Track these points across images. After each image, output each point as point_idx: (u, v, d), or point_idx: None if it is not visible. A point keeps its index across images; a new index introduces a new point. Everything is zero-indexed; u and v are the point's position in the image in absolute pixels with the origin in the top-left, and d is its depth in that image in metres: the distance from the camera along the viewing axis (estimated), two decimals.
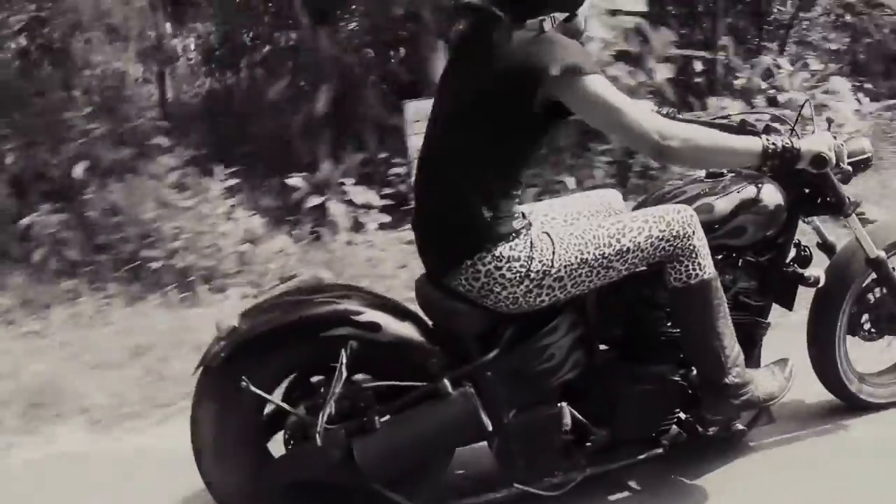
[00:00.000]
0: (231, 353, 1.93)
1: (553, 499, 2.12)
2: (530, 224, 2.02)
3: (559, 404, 2.09)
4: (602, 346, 2.23)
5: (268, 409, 2.05)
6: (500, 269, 1.93)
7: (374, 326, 1.95)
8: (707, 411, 2.15)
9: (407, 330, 2.00)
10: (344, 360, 1.89)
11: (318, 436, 1.86)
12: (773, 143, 1.96)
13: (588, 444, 2.17)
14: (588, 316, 2.14)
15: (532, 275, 1.94)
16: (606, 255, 1.98)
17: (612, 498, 2.25)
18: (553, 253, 1.95)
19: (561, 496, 2.12)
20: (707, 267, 2.06)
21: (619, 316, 2.23)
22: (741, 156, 1.99)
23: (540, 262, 1.94)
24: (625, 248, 1.99)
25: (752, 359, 2.30)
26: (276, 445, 2.08)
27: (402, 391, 2.00)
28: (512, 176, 1.96)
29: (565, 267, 1.96)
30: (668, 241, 2.02)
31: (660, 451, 2.23)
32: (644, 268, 2.07)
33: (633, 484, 2.29)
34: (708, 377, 2.12)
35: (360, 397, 1.98)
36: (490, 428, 1.96)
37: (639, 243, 2.00)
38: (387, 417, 1.97)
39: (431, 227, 2.04)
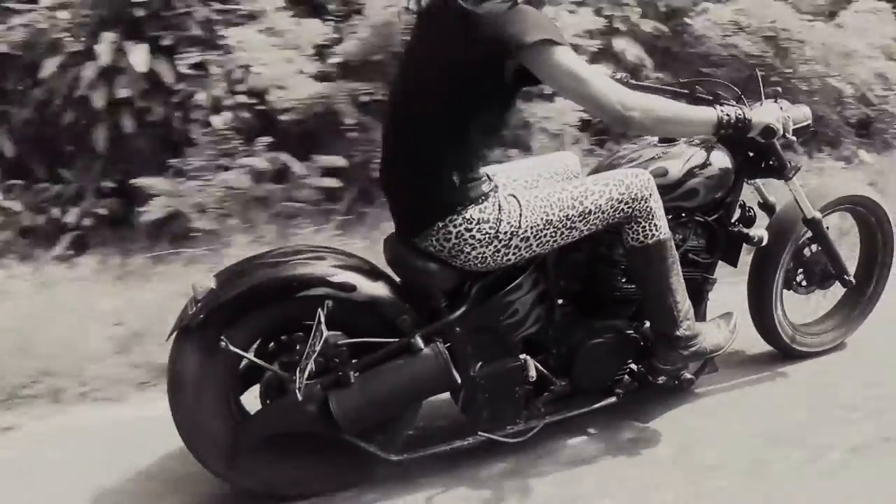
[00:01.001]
0: (209, 314, 1.98)
1: (515, 445, 2.26)
2: (496, 187, 2.11)
3: (522, 357, 2.21)
4: (561, 302, 2.35)
5: (242, 365, 2.11)
6: (470, 230, 2.02)
7: (349, 286, 2.03)
8: (659, 361, 2.30)
9: (380, 289, 2.08)
10: (322, 319, 1.96)
11: (298, 391, 1.94)
12: (727, 115, 2.08)
13: (547, 393, 2.31)
14: (549, 273, 2.26)
15: (500, 236, 2.04)
16: (570, 216, 2.09)
17: (570, 442, 2.39)
18: (520, 215, 2.05)
19: (522, 442, 2.26)
20: (662, 228, 2.19)
21: (578, 273, 2.36)
22: (697, 126, 2.11)
23: (508, 223, 2.04)
24: (587, 210, 2.10)
25: (700, 313, 2.46)
26: (250, 401, 2.16)
27: (376, 347, 2.09)
28: (481, 142, 2.04)
29: (531, 228, 2.06)
30: (626, 203, 2.14)
31: (614, 399, 2.38)
32: (603, 228, 2.19)
33: (590, 429, 2.44)
34: (661, 330, 2.27)
35: (335, 354, 2.05)
36: (459, 381, 2.07)
37: (600, 205, 2.11)
38: (360, 373, 2.05)
39: (401, 190, 2.11)
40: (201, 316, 1.98)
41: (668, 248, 2.20)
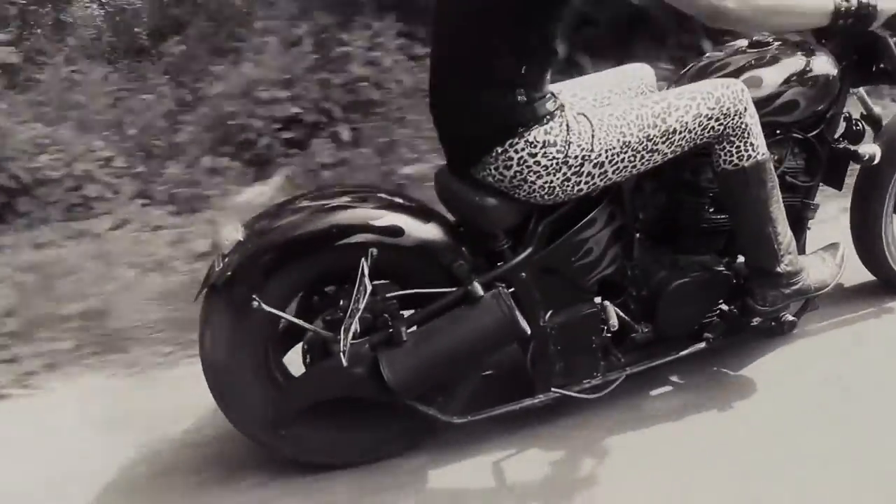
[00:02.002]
0: (239, 269, 1.74)
1: (591, 400, 2.00)
2: (563, 105, 1.80)
3: (599, 302, 1.93)
4: (640, 237, 2.06)
5: (282, 324, 1.88)
6: (534, 155, 1.72)
7: (396, 231, 1.76)
8: (756, 301, 2.00)
9: (431, 232, 1.81)
10: (366, 272, 1.71)
11: (342, 354, 1.69)
12: (846, 0, 1.72)
13: (628, 341, 2.03)
14: (625, 205, 1.96)
15: (570, 161, 1.74)
16: (651, 136, 1.78)
17: (653, 393, 2.13)
18: (592, 136, 1.74)
19: (600, 397, 2.00)
20: (760, 146, 1.86)
21: (659, 203, 2.06)
22: (808, 16, 1.76)
23: (579, 146, 1.74)
24: (671, 129, 1.79)
25: (800, 244, 2.14)
26: (294, 362, 1.93)
27: (430, 298, 1.82)
28: (544, 53, 1.73)
29: (606, 151, 1.75)
30: (717, 119, 1.81)
31: (703, 344, 2.09)
32: (689, 150, 1.87)
33: (674, 378, 2.16)
34: (759, 266, 1.96)
35: (383, 308, 1.80)
36: (529, 331, 1.80)
37: (686, 123, 1.79)
38: (413, 328, 1.79)
39: (455, 112, 1.81)
40: (228, 273, 1.73)
41: (766, 170, 1.88)
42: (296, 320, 1.80)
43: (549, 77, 1.76)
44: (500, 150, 1.73)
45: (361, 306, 1.70)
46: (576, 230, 1.88)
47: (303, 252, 1.76)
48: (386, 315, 1.81)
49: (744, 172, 1.86)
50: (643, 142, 1.77)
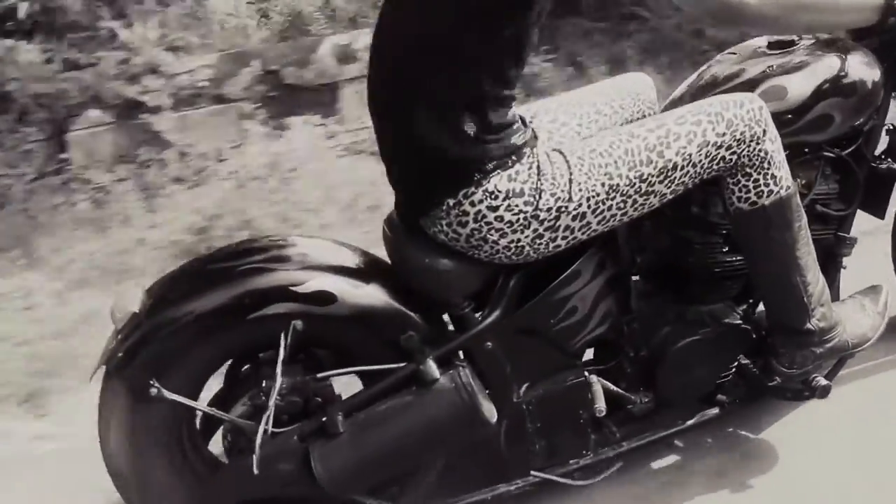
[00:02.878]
0: (135, 348, 1.40)
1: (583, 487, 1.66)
2: (535, 137, 1.44)
3: (586, 373, 1.58)
4: (637, 284, 1.70)
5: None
6: (495, 209, 1.36)
7: (325, 297, 1.41)
8: (782, 363, 1.64)
9: (373, 296, 1.46)
10: (283, 352, 1.37)
11: (255, 453, 1.36)
12: None
13: (624, 413, 1.68)
14: (619, 250, 1.60)
15: (542, 214, 1.38)
16: (645, 176, 1.41)
17: (653, 466, 1.78)
18: (570, 181, 1.38)
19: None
20: (783, 178, 1.49)
21: (661, 246, 1.69)
22: (850, 13, 1.42)
23: (552, 195, 1.37)
24: (671, 165, 1.42)
25: (832, 288, 1.77)
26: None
27: (372, 378, 1.48)
28: (505, 69, 1.36)
29: (588, 199, 1.39)
30: (729, 148, 1.45)
31: (716, 411, 1.74)
32: (695, 186, 1.50)
33: (677, 442, 1.81)
34: (785, 322, 1.60)
35: (314, 390, 1.47)
36: (494, 419, 1.44)
37: (689, 156, 1.43)
38: (351, 417, 1.45)
39: (399, 152, 1.45)
40: (120, 354, 1.40)
41: (792, 207, 1.51)
42: (205, 409, 1.46)
43: (511, 98, 1.39)
44: (451, 202, 1.37)
45: (275, 392, 1.36)
46: (556, 285, 1.52)
47: (209, 329, 1.42)
48: (318, 399, 1.47)
49: (763, 212, 1.49)
50: (635, 183, 1.41)
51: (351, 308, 1.43)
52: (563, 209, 1.38)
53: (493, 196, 1.35)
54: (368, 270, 1.50)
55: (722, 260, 1.67)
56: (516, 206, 1.36)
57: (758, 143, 1.46)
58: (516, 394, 1.55)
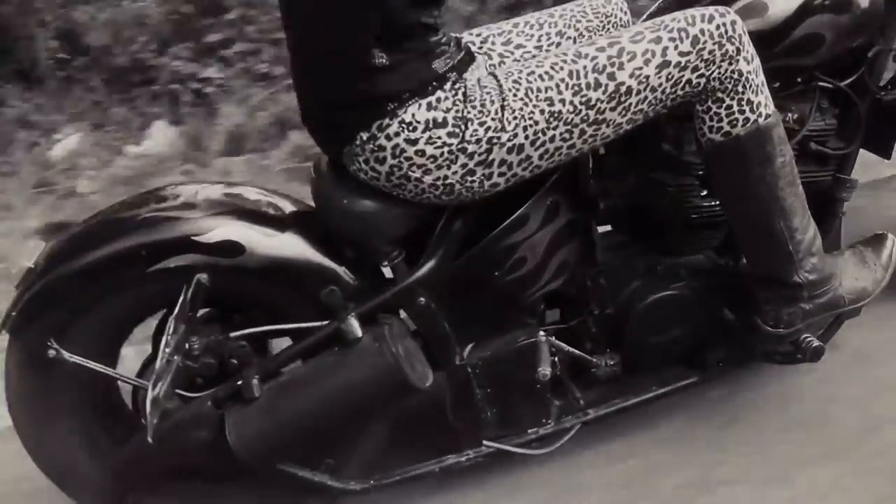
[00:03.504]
0: (28, 307, 1.27)
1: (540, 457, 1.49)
2: (470, 60, 1.27)
3: (539, 333, 1.40)
4: (603, 230, 1.52)
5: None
6: (414, 142, 1.19)
7: (231, 247, 1.25)
8: (767, 322, 1.44)
9: (289, 245, 1.30)
10: (179, 307, 1.22)
11: (146, 420, 1.21)
12: None
13: (588, 376, 1.50)
14: (580, 188, 1.42)
15: (470, 147, 1.20)
16: (593, 101, 1.22)
17: (623, 437, 1.60)
18: (502, 107, 1.20)
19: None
20: (762, 104, 1.30)
21: (628, 188, 1.50)
22: None
23: (481, 124, 1.20)
24: (624, 89, 1.23)
25: (830, 238, 1.56)
26: None
27: (296, 336, 1.33)
28: None
29: (526, 129, 1.21)
30: (696, 69, 1.25)
31: (694, 379, 1.55)
32: (657, 114, 1.31)
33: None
34: (769, 273, 1.40)
35: (231, 352, 1.32)
36: (426, 383, 1.28)
37: (647, 78, 1.23)
38: (269, 380, 1.30)
39: (306, 80, 1.28)
40: (13, 314, 1.27)
41: (772, 139, 1.31)
42: (102, 368, 1.31)
43: (432, 25, 1.21)
44: (364, 136, 1.20)
45: (168, 352, 1.21)
46: (500, 231, 1.34)
47: (107, 285, 1.27)
48: (234, 360, 1.33)
49: (738, 143, 1.30)
50: (581, 110, 1.22)
51: (261, 259, 1.27)
52: (495, 140, 1.20)
53: (410, 127, 1.18)
54: (288, 218, 1.34)
55: (699, 204, 1.47)
56: (438, 137, 1.19)
57: (730, 64, 1.26)
58: (459, 355, 1.38)
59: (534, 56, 1.36)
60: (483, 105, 1.20)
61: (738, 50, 1.26)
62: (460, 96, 1.20)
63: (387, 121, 1.18)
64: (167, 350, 1.20)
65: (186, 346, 1.29)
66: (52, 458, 1.39)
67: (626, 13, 1.56)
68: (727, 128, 1.30)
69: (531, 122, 1.21)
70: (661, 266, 1.49)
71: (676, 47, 1.24)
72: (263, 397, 1.27)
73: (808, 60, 1.43)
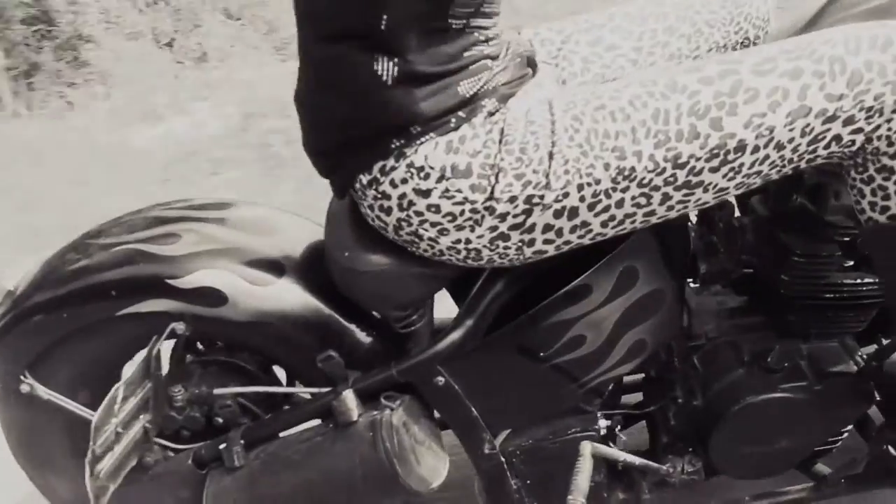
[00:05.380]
0: (4, 333, 1.11)
1: None
2: (527, 73, 0.95)
3: (596, 426, 1.11)
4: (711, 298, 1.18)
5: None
6: (426, 193, 0.89)
7: (211, 295, 1.03)
8: None
9: (284, 296, 1.06)
10: (149, 354, 1.03)
11: (86, 472, 1.02)
12: None
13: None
14: (670, 249, 1.08)
15: (499, 207, 0.89)
16: (685, 158, 0.87)
17: None
18: (550, 153, 0.88)
19: None
20: None
21: (740, 252, 1.14)
22: None
23: (518, 176, 0.88)
24: (735, 143, 0.87)
25: None
26: None
27: (288, 402, 1.11)
28: None
29: (581, 188, 0.88)
30: (852, 121, 0.87)
31: (809, 485, 1.20)
32: (786, 175, 0.94)
33: None
34: None
35: (215, 408, 1.12)
36: (423, 486, 1.02)
37: (772, 130, 0.87)
38: (255, 449, 1.09)
39: (303, 104, 0.98)
40: None
41: None
42: (77, 408, 1.14)
43: (460, 29, 0.87)
44: (364, 179, 0.92)
45: (119, 401, 1.01)
46: (551, 303, 1.03)
47: (76, 320, 1.09)
48: (220, 420, 1.13)
49: None
50: (665, 168, 0.88)
51: (247, 312, 1.04)
52: (536, 200, 0.89)
53: (421, 173, 0.88)
54: (292, 256, 1.09)
55: (837, 281, 1.09)
56: (458, 190, 0.88)
57: None
58: (489, 444, 1.11)
59: (621, 75, 1.01)
60: (524, 150, 0.88)
61: None
62: (495, 134, 0.88)
63: (391, 162, 0.89)
64: (115, 420, 1.00)
65: (170, 393, 1.10)
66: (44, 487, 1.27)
67: (766, 12, 1.15)
68: (894, 209, 0.91)
69: (590, 179, 0.88)
70: (773, 355, 1.12)
71: (823, 87, 0.86)
72: (246, 468, 1.07)
73: None
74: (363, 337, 1.08)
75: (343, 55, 0.87)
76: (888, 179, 0.91)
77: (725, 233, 1.12)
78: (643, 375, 1.24)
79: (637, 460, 1.10)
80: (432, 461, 1.05)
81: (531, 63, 0.99)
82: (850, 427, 1.19)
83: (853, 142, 0.88)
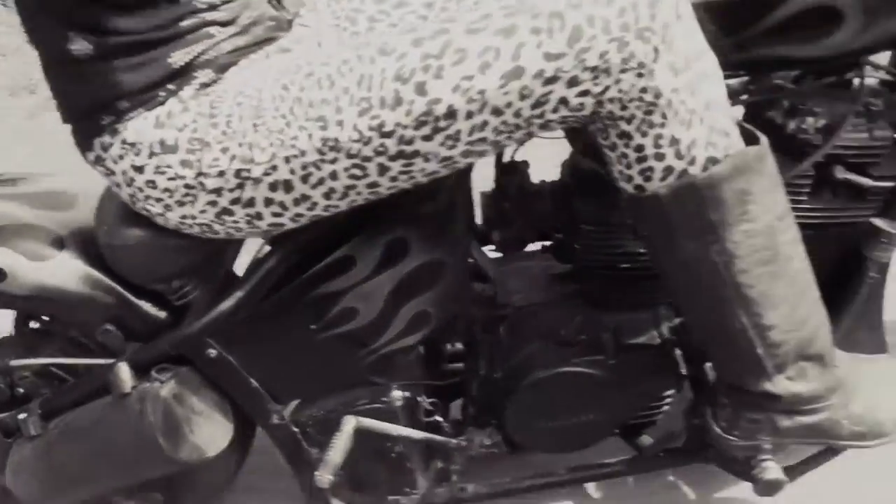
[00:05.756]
0: None
1: None
2: (265, 38, 0.91)
3: (392, 395, 1.08)
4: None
5: None
6: (140, 169, 0.87)
7: None
8: (719, 420, 1.01)
9: (64, 270, 1.06)
10: None
11: None
12: None
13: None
14: (452, 216, 1.03)
15: (210, 182, 0.86)
16: (390, 126, 0.81)
17: None
18: (254, 126, 0.84)
19: None
20: (701, 144, 0.83)
21: (529, 219, 1.08)
22: None
23: (223, 149, 0.85)
24: (443, 109, 0.80)
25: (861, 321, 1.05)
26: None
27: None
28: None
29: (289, 160, 0.84)
30: (577, 82, 0.80)
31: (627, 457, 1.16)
32: (520, 142, 0.88)
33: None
34: (730, 381, 0.97)
35: (15, 379, 1.14)
36: (194, 454, 1.02)
37: (483, 92, 0.80)
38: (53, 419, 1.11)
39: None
40: None
41: (723, 198, 0.84)
42: None
43: None
44: (91, 155, 0.90)
45: None
46: (310, 278, 1.00)
47: None
48: (21, 390, 1.15)
49: (658, 203, 0.85)
50: (371, 138, 0.82)
51: (26, 287, 1.04)
52: (245, 174, 0.85)
53: (134, 150, 0.86)
54: (78, 229, 1.09)
55: (631, 251, 1.03)
56: (168, 166, 0.86)
57: (638, 76, 0.79)
58: (277, 414, 1.10)
59: (373, 27, 0.96)
60: (229, 123, 0.84)
61: (657, 52, 0.79)
62: (204, 108, 0.85)
63: (108, 139, 0.87)
64: None
65: None
66: None
67: None
68: (639, 179, 0.84)
69: (295, 151, 0.83)
70: (569, 327, 1.07)
71: (540, 45, 0.79)
72: (44, 438, 1.10)
73: (815, 51, 0.89)
74: (149, 309, 1.08)
75: (45, 31, 0.85)
76: (628, 147, 0.84)
77: (517, 199, 1.06)
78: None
79: (417, 434, 1.07)
80: (210, 430, 1.04)
81: (283, 25, 0.94)
82: (668, 399, 1.13)
83: (582, 105, 0.81)
